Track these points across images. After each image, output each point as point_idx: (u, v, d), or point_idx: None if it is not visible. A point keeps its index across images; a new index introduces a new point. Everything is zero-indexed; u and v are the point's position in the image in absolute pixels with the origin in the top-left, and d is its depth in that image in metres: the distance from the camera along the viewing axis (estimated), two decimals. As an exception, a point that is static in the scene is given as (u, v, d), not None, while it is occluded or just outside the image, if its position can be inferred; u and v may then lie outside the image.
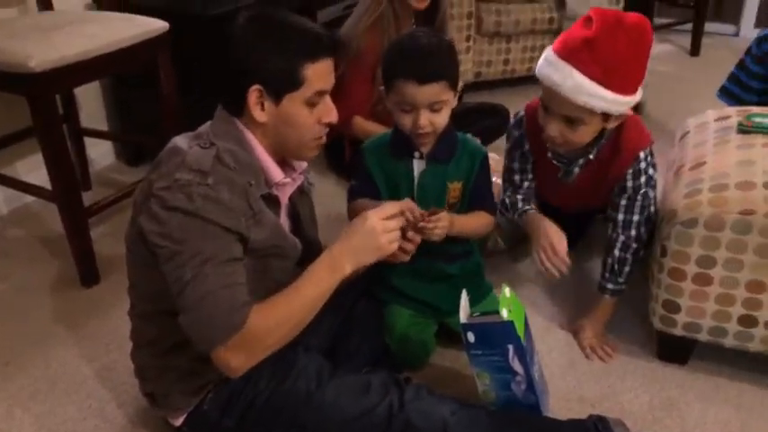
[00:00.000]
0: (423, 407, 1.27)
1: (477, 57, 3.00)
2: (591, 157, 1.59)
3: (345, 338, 1.54)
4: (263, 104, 1.21)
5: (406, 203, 1.32)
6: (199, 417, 1.32)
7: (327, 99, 1.26)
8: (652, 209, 1.61)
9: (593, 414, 1.33)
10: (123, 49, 1.80)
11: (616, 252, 1.62)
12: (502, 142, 2.03)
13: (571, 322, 1.74)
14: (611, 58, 1.37)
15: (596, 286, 1.69)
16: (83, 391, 1.56)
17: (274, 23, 1.21)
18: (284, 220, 1.37)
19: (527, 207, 1.72)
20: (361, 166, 1.57)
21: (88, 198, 2.14)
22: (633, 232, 1.60)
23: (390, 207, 1.29)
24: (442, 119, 1.46)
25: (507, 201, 1.77)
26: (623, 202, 1.59)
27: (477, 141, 1.62)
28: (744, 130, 1.61)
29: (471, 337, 1.29)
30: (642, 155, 1.56)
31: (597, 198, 1.71)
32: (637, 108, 2.78)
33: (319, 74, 1.21)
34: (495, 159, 2.05)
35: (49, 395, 1.55)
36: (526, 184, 1.76)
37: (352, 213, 1.55)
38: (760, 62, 2.00)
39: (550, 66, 1.43)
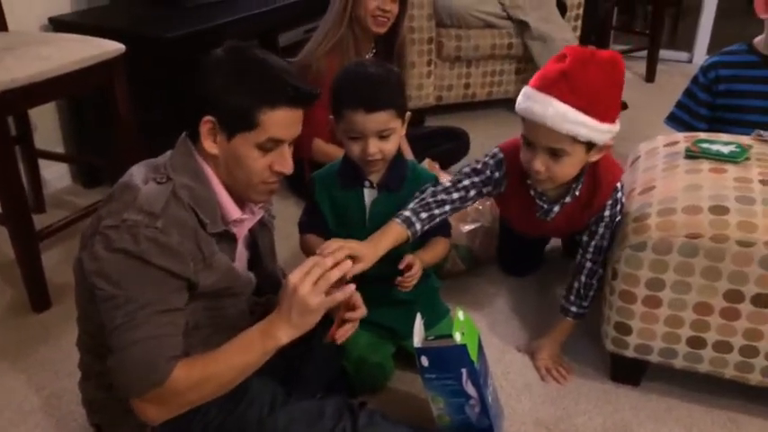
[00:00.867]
0: (376, 434, 1.27)
1: (438, 81, 3.03)
2: (569, 199, 1.57)
3: (301, 362, 1.52)
4: (215, 137, 1.18)
5: (314, 260, 1.18)
6: (144, 449, 1.29)
7: (284, 149, 1.22)
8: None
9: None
10: (77, 71, 1.78)
11: (583, 278, 1.63)
12: (461, 165, 2.04)
13: (528, 344, 1.76)
14: (587, 88, 1.39)
15: (552, 308, 1.71)
16: (30, 420, 1.52)
17: (246, 60, 1.18)
18: (242, 252, 1.35)
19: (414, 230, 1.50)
20: (309, 199, 1.57)
21: (42, 221, 2.11)
22: (601, 258, 1.62)
23: (308, 264, 1.18)
24: (391, 146, 1.47)
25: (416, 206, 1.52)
26: (600, 230, 1.60)
27: (427, 168, 1.64)
28: (691, 155, 1.65)
29: (425, 360, 1.29)
30: (619, 185, 1.59)
31: (569, 231, 1.73)
32: None
33: (276, 122, 1.18)
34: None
35: (-5, 425, 1.51)
36: (448, 207, 1.55)
37: (305, 249, 1.56)
38: (706, 90, 2.06)
39: (530, 99, 1.44)
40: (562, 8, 3.08)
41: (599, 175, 1.56)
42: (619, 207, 1.59)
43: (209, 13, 2.42)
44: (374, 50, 2.32)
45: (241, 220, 1.27)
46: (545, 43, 2.90)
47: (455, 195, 1.57)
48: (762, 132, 1.74)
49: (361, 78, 1.46)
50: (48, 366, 1.66)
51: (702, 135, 1.77)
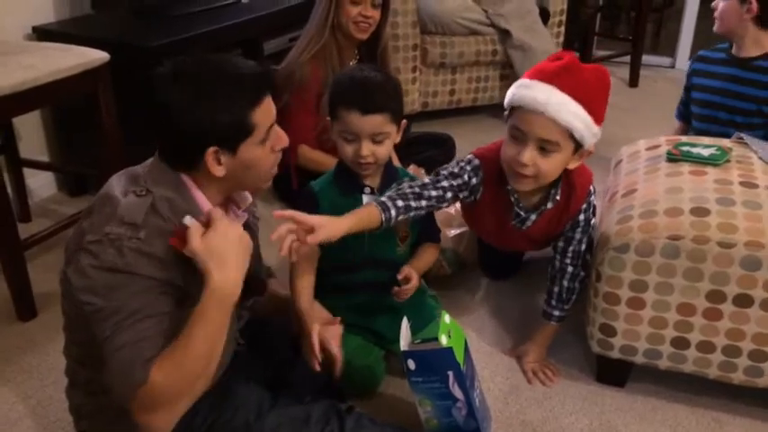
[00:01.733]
0: (364, 436, 1.27)
1: (423, 87, 3.05)
2: (550, 205, 1.57)
3: (289, 367, 1.53)
4: (219, 160, 1.19)
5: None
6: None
7: (275, 128, 1.25)
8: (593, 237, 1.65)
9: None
10: (62, 80, 1.78)
11: (565, 282, 1.64)
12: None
13: (514, 347, 1.77)
14: (586, 84, 1.41)
15: (538, 310, 1.73)
16: (17, 428, 1.51)
17: (208, 78, 1.16)
18: None
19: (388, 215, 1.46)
20: (311, 207, 1.51)
21: (28, 230, 2.10)
22: (580, 261, 1.63)
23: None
24: (384, 150, 1.49)
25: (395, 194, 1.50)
26: (577, 235, 1.61)
27: (414, 174, 1.65)
28: (672, 158, 1.67)
29: (412, 364, 1.30)
30: (591, 188, 1.60)
31: (543, 240, 1.71)
32: None
33: (265, 112, 1.21)
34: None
35: (-20, 435, 1.50)
36: (424, 203, 1.51)
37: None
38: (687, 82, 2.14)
39: (529, 88, 1.42)
40: (545, 15, 3.11)
41: (573, 180, 1.56)
42: (592, 210, 1.61)
43: (193, 22, 2.43)
44: (357, 57, 2.33)
45: None
46: (525, 53, 2.94)
47: (433, 193, 1.53)
48: (742, 135, 1.77)
49: (360, 81, 1.48)
50: (34, 375, 1.65)
51: (684, 138, 1.79)
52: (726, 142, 1.75)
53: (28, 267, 1.84)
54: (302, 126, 2.25)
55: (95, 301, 1.11)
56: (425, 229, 1.61)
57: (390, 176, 1.55)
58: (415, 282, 1.48)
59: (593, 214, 1.62)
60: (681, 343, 1.50)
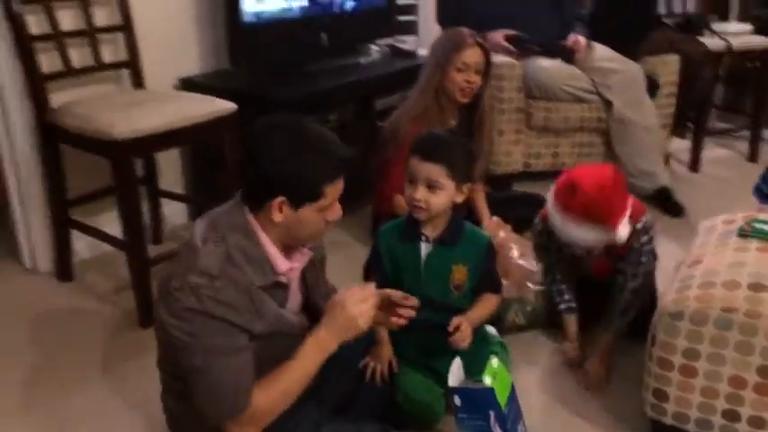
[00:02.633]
0: (404, 459, 1.41)
1: (526, 149, 3.17)
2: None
3: (355, 391, 1.69)
4: (281, 209, 1.36)
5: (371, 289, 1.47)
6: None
7: (336, 203, 1.42)
8: (653, 260, 1.96)
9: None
10: (192, 126, 2.10)
11: (628, 295, 1.91)
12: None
13: (571, 404, 1.84)
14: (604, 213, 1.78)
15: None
16: (129, 415, 1.79)
17: (304, 140, 1.35)
18: (295, 295, 1.53)
19: (564, 306, 2.04)
20: (375, 248, 1.76)
21: (158, 250, 2.42)
22: (641, 279, 1.91)
23: (362, 292, 1.43)
24: (437, 200, 1.63)
25: (553, 290, 2.07)
26: (633, 257, 1.91)
27: (482, 231, 1.79)
28: (743, 234, 1.71)
29: (458, 400, 1.42)
30: (643, 219, 1.89)
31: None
32: (676, 209, 2.89)
33: (335, 189, 1.39)
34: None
35: (98, 417, 1.77)
36: (559, 276, 2.06)
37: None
38: None
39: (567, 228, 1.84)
40: (654, 86, 3.15)
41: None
42: (645, 237, 1.89)
43: (317, 79, 2.72)
44: (458, 118, 2.50)
45: (291, 269, 1.45)
46: (625, 127, 2.99)
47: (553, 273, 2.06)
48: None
49: (434, 135, 1.70)
50: (146, 373, 1.91)
51: (760, 216, 1.81)
52: (804, 222, 1.75)
53: (152, 283, 2.15)
54: (399, 179, 2.43)
55: (183, 337, 1.32)
56: (486, 277, 1.73)
57: (454, 230, 1.69)
58: (465, 330, 1.59)
59: (649, 243, 1.91)
60: (732, 416, 1.52)
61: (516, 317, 2.11)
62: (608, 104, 3.03)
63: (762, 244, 1.65)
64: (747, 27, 3.70)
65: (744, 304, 1.46)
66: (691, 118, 3.62)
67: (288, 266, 1.44)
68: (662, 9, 3.81)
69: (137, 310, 2.16)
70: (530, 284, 2.18)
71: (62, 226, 2.35)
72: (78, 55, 2.34)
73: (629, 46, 3.14)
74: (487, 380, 1.39)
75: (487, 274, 1.74)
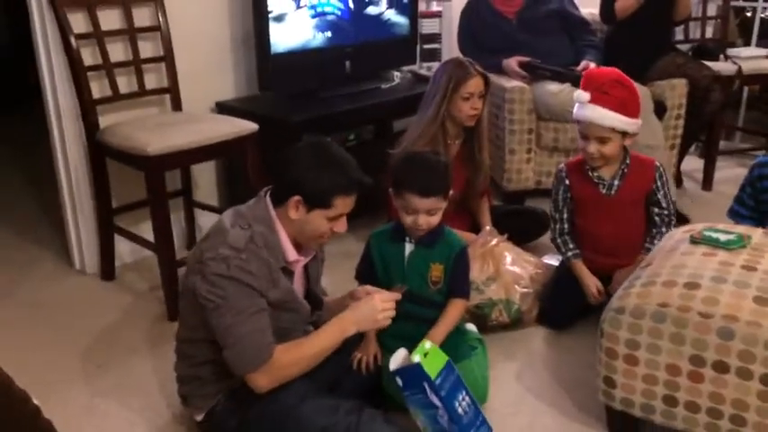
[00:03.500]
0: (373, 428, 1.63)
1: (537, 167, 3.37)
2: (624, 169, 2.29)
3: (345, 374, 1.92)
4: (297, 208, 1.67)
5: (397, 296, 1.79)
6: (213, 416, 1.77)
7: (344, 218, 1.71)
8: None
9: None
10: (218, 143, 2.41)
11: (663, 228, 2.31)
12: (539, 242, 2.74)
13: (541, 394, 2.02)
14: (619, 98, 2.21)
15: (573, 372, 2.05)
16: (161, 389, 2.08)
17: (327, 156, 1.67)
18: (297, 283, 1.82)
19: (572, 254, 2.41)
20: (366, 251, 2.01)
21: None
22: (672, 209, 2.34)
23: (390, 295, 1.76)
24: (436, 219, 1.90)
25: (559, 240, 2.44)
26: (660, 194, 2.31)
27: (458, 235, 2.01)
28: (694, 241, 1.87)
29: (399, 381, 1.66)
30: (657, 164, 2.31)
31: (636, 214, 2.35)
32: (680, 219, 3.11)
33: (345, 204, 1.69)
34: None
35: (125, 394, 2.07)
36: (567, 226, 2.43)
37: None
38: (751, 186, 2.25)
39: (583, 108, 2.25)
40: (662, 108, 3.29)
41: (639, 158, 2.34)
42: (664, 177, 2.32)
43: (335, 103, 3.00)
44: (463, 137, 2.72)
45: (297, 260, 1.75)
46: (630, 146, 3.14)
47: (561, 227, 2.44)
48: (773, 226, 1.91)
49: (419, 167, 1.90)
50: (168, 359, 2.20)
51: (718, 225, 1.97)
52: (754, 232, 1.90)
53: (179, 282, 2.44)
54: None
55: (216, 299, 1.60)
56: (455, 280, 1.94)
57: (432, 233, 1.92)
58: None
59: (668, 181, 2.35)
60: (670, 401, 1.68)
61: (501, 315, 2.31)
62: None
63: (708, 249, 1.81)
64: (762, 52, 3.81)
65: (677, 300, 1.64)
66: (701, 139, 3.74)
67: (295, 258, 1.73)
68: (679, 35, 3.96)
69: (165, 306, 2.45)
70: (517, 287, 2.37)
71: (107, 231, 2.68)
72: (125, 82, 2.69)
73: (638, 71, 3.30)
74: (416, 358, 1.62)
75: (458, 278, 1.96)
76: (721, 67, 3.55)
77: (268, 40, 2.83)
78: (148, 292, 2.67)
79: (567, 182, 2.40)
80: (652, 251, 2.02)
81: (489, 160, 2.78)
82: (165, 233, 2.37)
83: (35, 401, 1.23)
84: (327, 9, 3.04)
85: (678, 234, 2.01)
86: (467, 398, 1.68)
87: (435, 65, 3.82)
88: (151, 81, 2.76)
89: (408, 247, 1.94)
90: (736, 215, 2.34)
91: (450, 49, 3.90)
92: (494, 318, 2.31)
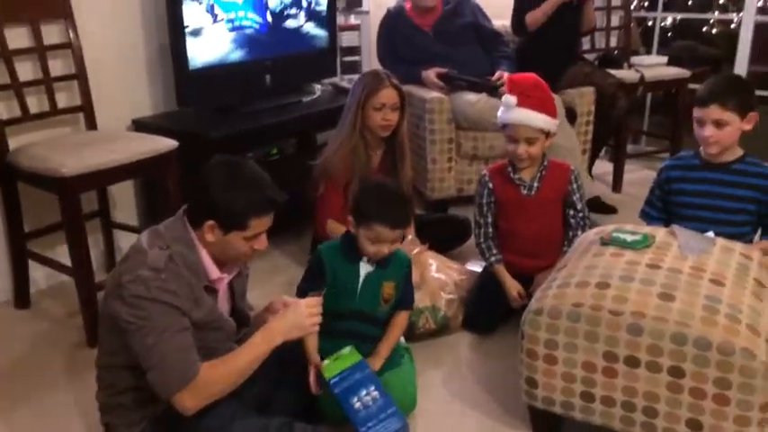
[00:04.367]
0: (303, 445, 1.64)
1: (458, 175, 3.44)
2: (543, 171, 2.43)
3: (274, 389, 1.91)
4: (213, 231, 1.65)
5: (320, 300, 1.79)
6: (138, 444, 1.72)
7: (263, 236, 1.70)
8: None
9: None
10: (135, 162, 2.36)
11: (579, 231, 2.42)
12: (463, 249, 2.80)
13: (467, 399, 2.08)
14: (541, 100, 2.38)
15: (499, 374, 2.04)
16: (72, 427, 2.00)
17: (240, 177, 1.63)
18: (222, 301, 1.80)
19: (494, 259, 2.50)
20: (315, 266, 1.95)
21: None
22: (587, 212, 2.49)
23: (314, 300, 1.75)
24: (398, 246, 1.95)
25: (483, 245, 2.52)
26: (575, 197, 2.46)
27: (404, 252, 2.07)
28: (604, 242, 1.97)
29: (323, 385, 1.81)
30: (572, 168, 2.47)
31: (554, 214, 2.48)
32: (610, 209, 3.43)
33: (261, 223, 1.67)
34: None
35: (44, 429, 1.99)
36: (491, 230, 2.51)
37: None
38: (659, 188, 2.39)
39: (510, 111, 2.37)
40: (572, 115, 3.44)
41: (554, 162, 2.48)
42: (580, 181, 2.47)
43: (257, 118, 2.99)
44: (384, 147, 2.77)
45: (220, 278, 1.73)
46: (550, 149, 3.27)
47: (485, 232, 2.52)
48: (675, 227, 2.03)
49: (387, 199, 1.89)
50: (90, 387, 2.15)
51: (628, 226, 2.07)
52: (658, 231, 2.02)
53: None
54: (332, 205, 2.71)
55: (136, 321, 1.57)
56: (405, 294, 2.01)
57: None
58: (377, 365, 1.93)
59: (582, 186, 2.49)
60: (588, 397, 1.76)
61: (427, 322, 2.36)
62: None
63: (617, 250, 1.91)
64: (663, 59, 4.03)
65: (590, 300, 1.72)
66: (610, 143, 3.93)
67: (218, 275, 1.72)
68: (586, 45, 4.14)
69: (85, 331, 2.38)
70: (443, 294, 2.43)
71: (20, 257, 2.58)
72: (36, 102, 2.61)
73: (549, 80, 3.44)
74: (325, 362, 1.78)
75: (407, 290, 2.02)
76: (625, 74, 3.74)
77: (185, 54, 2.79)
78: (67, 319, 2.58)
79: (491, 185, 2.48)
80: (567, 253, 2.10)
81: (412, 171, 2.83)
82: (82, 257, 2.30)
83: None
84: (245, 23, 3.04)
85: (590, 236, 2.11)
86: (374, 393, 1.76)
87: (356, 77, 3.87)
88: (63, 100, 2.68)
89: (364, 268, 1.94)
90: (647, 216, 2.47)
91: (370, 61, 3.95)
92: (421, 325, 2.35)
